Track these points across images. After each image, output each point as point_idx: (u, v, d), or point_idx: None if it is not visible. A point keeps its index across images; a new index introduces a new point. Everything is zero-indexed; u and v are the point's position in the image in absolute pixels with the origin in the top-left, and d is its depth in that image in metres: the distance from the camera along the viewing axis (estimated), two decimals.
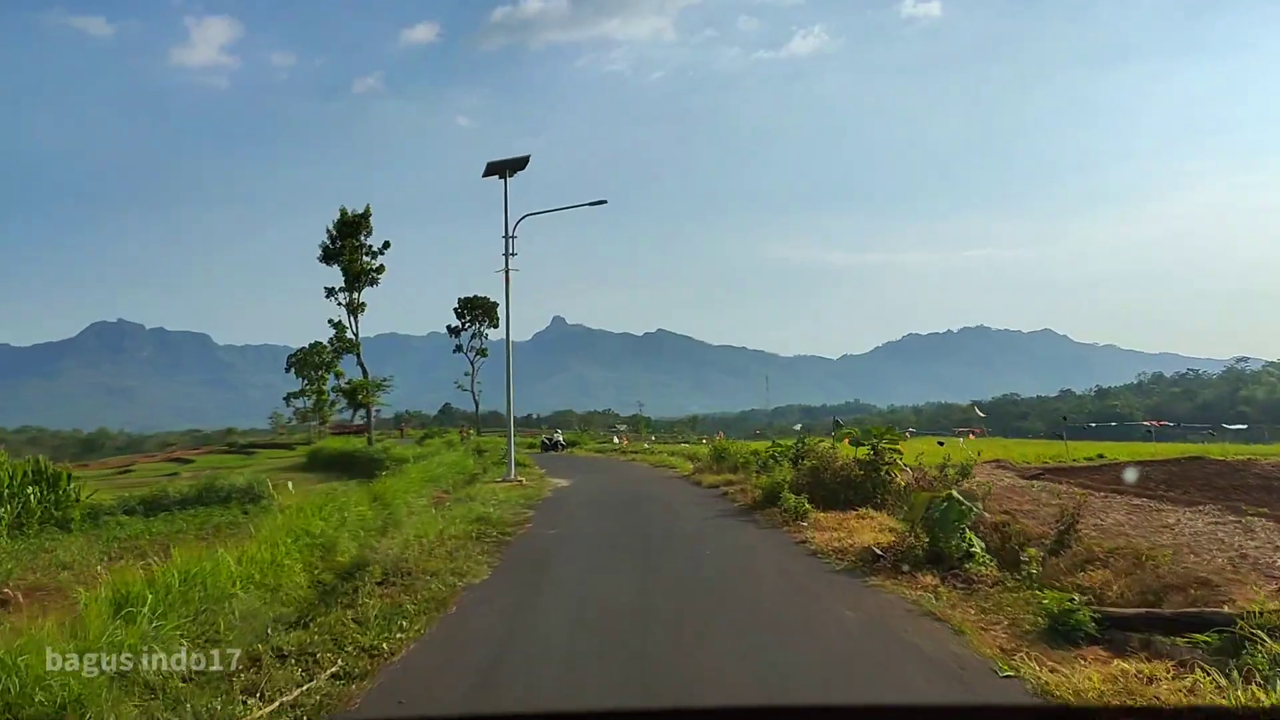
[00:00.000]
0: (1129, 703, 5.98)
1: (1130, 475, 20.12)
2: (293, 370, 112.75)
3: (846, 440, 20.20)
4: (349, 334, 52.77)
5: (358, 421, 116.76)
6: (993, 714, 3.89)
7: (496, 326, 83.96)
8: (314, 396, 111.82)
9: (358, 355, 53.23)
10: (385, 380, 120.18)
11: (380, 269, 52.51)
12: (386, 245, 52.99)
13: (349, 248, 50.83)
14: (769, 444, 27.64)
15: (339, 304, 52.01)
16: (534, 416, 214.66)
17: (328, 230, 51.36)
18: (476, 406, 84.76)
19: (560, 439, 48.29)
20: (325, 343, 56.38)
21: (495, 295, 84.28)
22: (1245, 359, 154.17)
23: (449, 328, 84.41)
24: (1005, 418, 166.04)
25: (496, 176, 28.82)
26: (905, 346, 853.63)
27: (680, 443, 57.31)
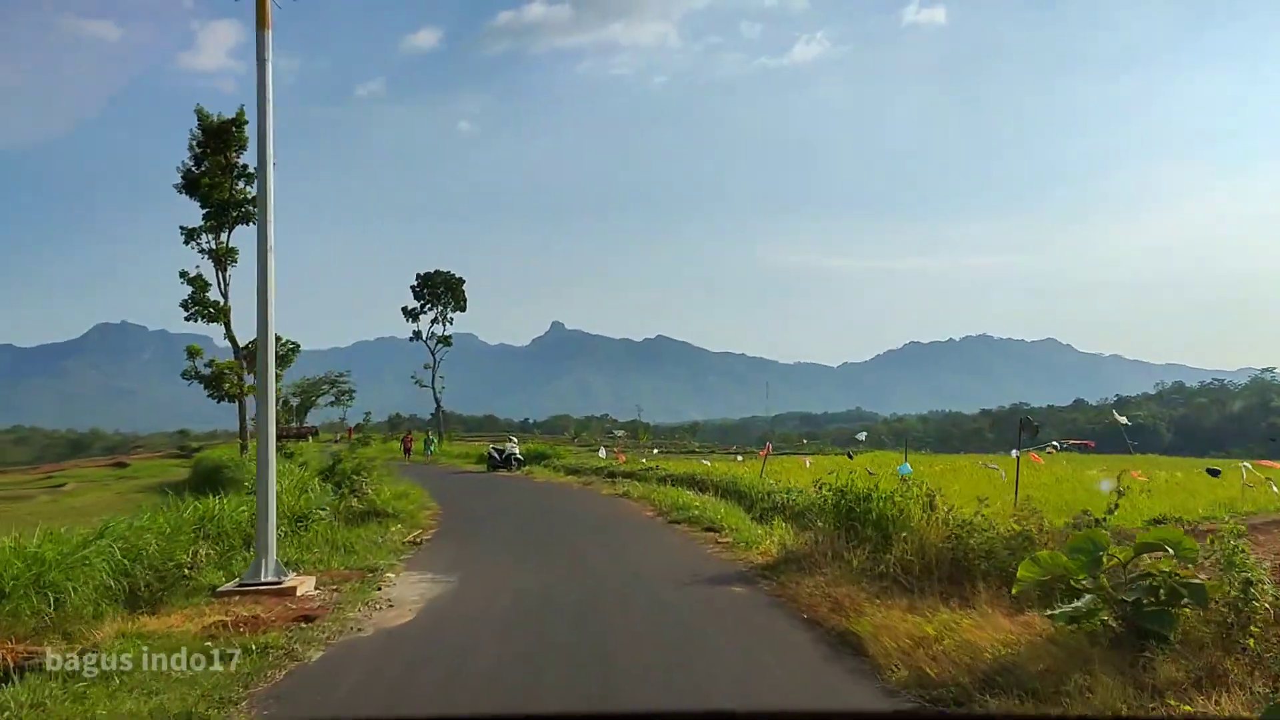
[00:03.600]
0: None
1: None
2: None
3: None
4: (215, 293, 38.54)
5: (341, 424, 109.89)
6: None
7: (463, 309, 75.47)
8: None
9: (227, 326, 39.65)
10: (341, 376, 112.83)
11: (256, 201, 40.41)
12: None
13: (214, 168, 38.08)
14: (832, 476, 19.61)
15: (200, 250, 38.71)
16: (530, 421, 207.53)
17: (190, 146, 38.28)
18: (438, 406, 76.30)
19: (516, 451, 36.35)
20: (186, 303, 38.94)
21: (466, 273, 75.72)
22: (1271, 369, 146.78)
23: (405, 310, 75.64)
24: (1017, 429, 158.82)
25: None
26: (906, 355, 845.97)
27: (688, 453, 47.73)
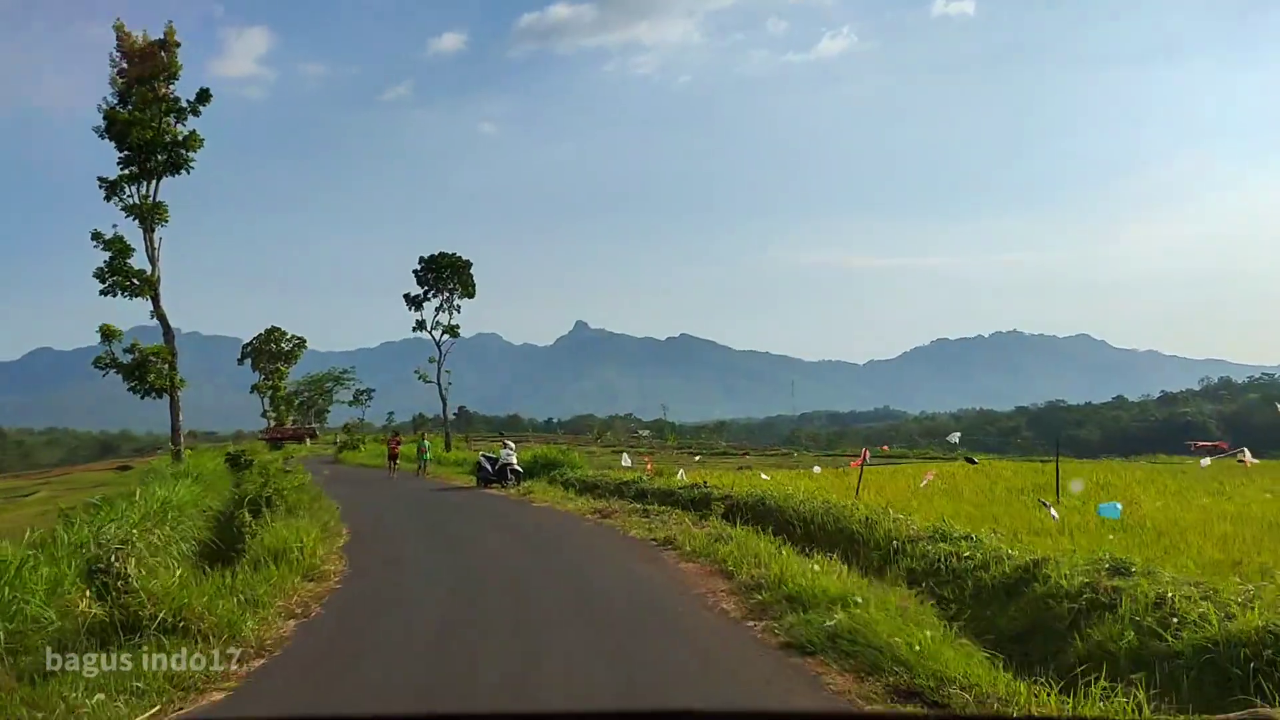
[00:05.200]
0: None
1: None
2: (249, 362, 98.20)
3: None
4: (140, 260, 30.71)
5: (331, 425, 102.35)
6: None
7: (472, 295, 67.65)
8: (269, 391, 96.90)
9: (154, 301, 31.47)
10: (345, 373, 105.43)
11: (193, 143, 30.89)
12: (204, 97, 31.06)
13: (139, 101, 30.31)
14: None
15: (121, 206, 30.98)
16: (554, 421, 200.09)
17: (111, 80, 30.76)
18: (444, 405, 68.56)
19: (513, 460, 27.76)
20: (99, 271, 30.74)
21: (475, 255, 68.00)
22: None
23: (407, 296, 68.08)
24: (1058, 426, 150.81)
25: None
26: (934, 352, 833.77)
27: (717, 454, 39.27)
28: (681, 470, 29.18)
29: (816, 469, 26.22)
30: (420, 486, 28.52)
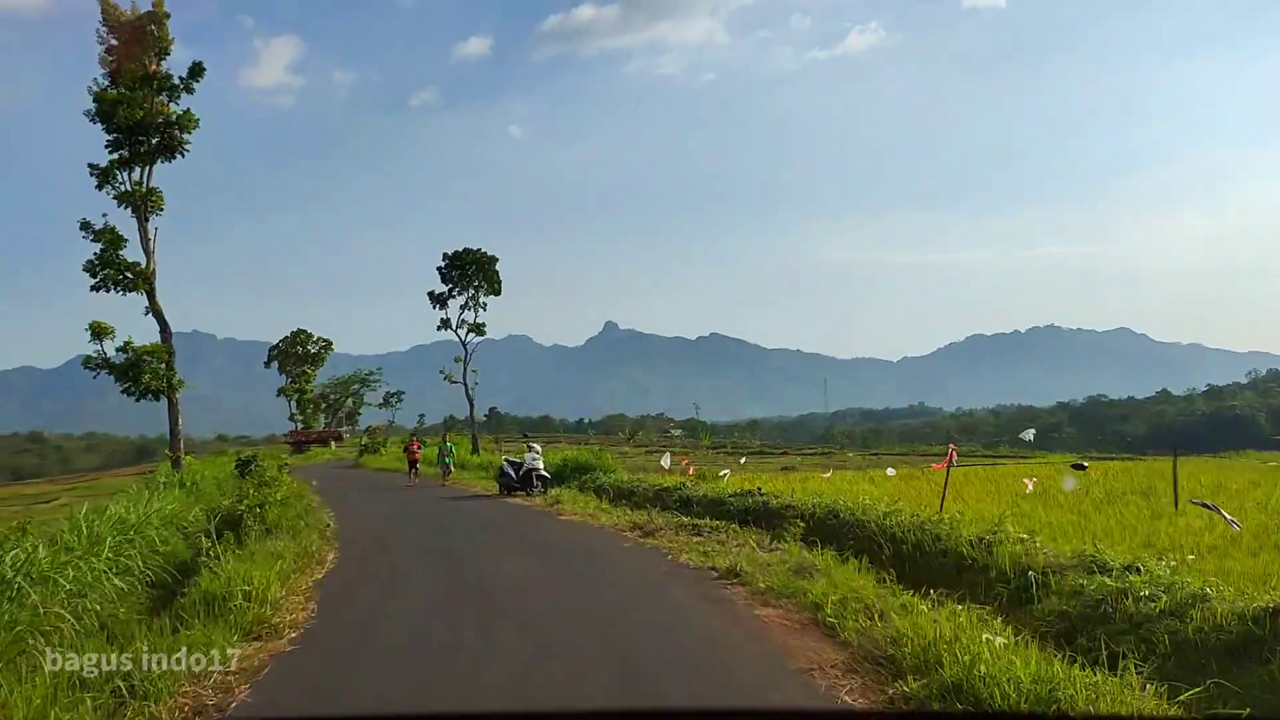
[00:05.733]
0: None
1: None
2: (275, 365, 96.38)
3: None
4: (134, 251, 28.18)
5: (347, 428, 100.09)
6: None
7: (498, 292, 64.98)
8: (295, 395, 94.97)
9: (150, 297, 28.95)
10: (371, 374, 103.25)
11: (187, 123, 28.48)
12: (197, 72, 28.47)
13: (126, 78, 27.60)
14: None
15: (112, 193, 28.45)
16: (585, 421, 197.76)
17: (100, 57, 27.97)
18: (471, 406, 65.78)
19: (539, 465, 24.32)
20: (90, 265, 28.10)
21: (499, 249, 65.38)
22: None
23: (431, 294, 65.50)
24: (1100, 421, 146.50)
25: None
26: (969, 348, 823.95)
27: (754, 454, 35.54)
28: (726, 472, 26.17)
29: (891, 470, 22.92)
30: (436, 495, 25.62)
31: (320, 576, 11.52)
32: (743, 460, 35.74)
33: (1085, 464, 16.46)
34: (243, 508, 13.36)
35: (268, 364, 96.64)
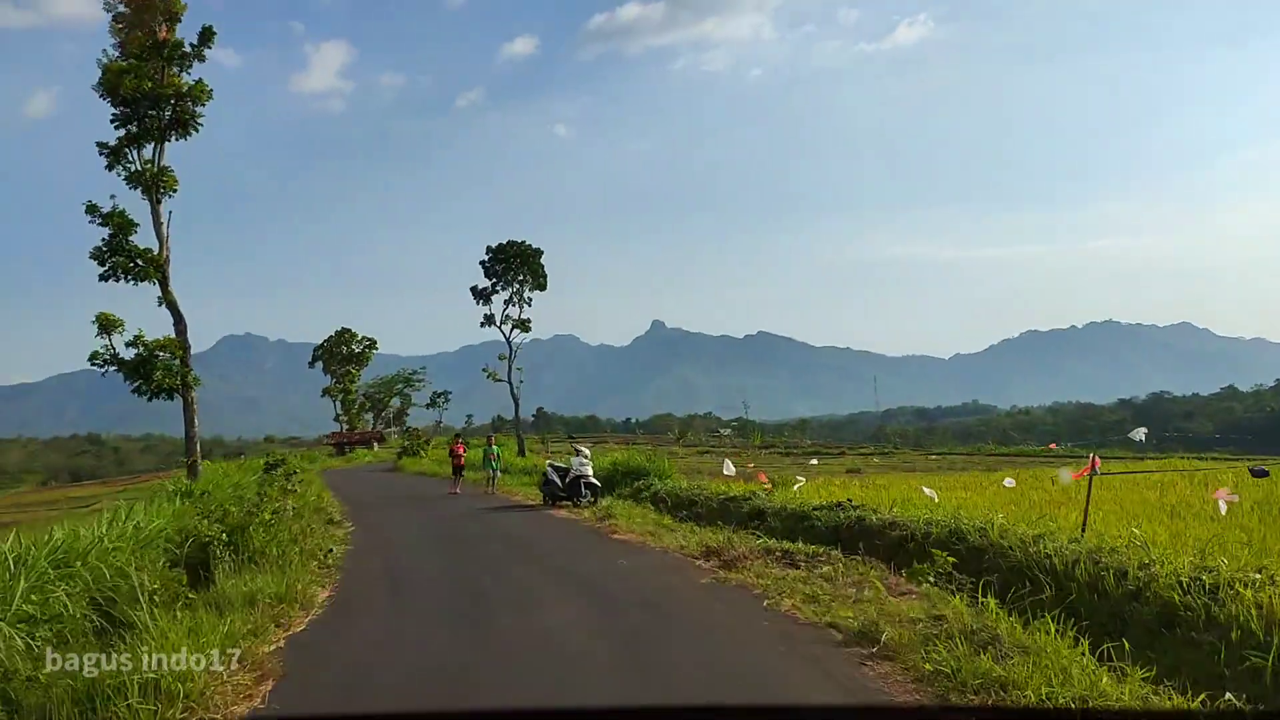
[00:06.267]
0: None
1: None
2: (320, 365, 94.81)
3: None
4: (146, 237, 25.73)
5: (388, 428, 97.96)
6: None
7: (543, 287, 62.29)
8: (339, 395, 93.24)
9: (163, 285, 26.14)
10: (415, 374, 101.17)
11: (199, 94, 25.77)
12: (207, 36, 25.68)
13: (133, 46, 25.04)
14: None
15: (122, 172, 25.72)
16: (633, 421, 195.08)
17: (110, 26, 25.67)
18: (516, 405, 63.14)
19: (587, 470, 21.11)
20: (98, 251, 25.57)
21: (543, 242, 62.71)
22: None
23: (474, 289, 63.05)
24: (1165, 419, 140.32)
25: None
26: (1024, 344, 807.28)
27: (807, 455, 31.90)
28: (802, 479, 22.90)
29: (1009, 481, 19.42)
30: (474, 506, 22.64)
31: (297, 631, 8.55)
32: (813, 462, 32.34)
33: (1267, 470, 12.91)
34: (210, 534, 10.46)
35: (312, 364, 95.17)
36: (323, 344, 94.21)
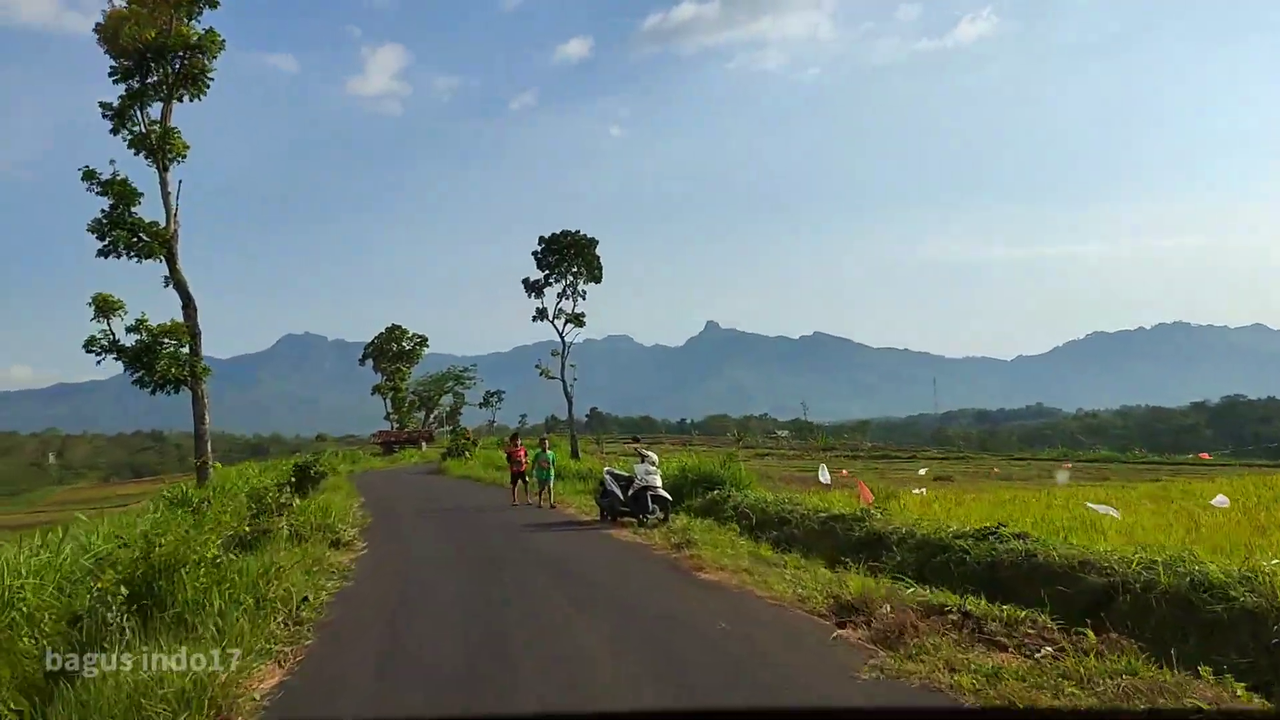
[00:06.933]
0: None
1: None
2: (370, 363, 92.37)
3: None
4: (152, 208, 22.83)
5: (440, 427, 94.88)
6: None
7: (598, 280, 58.80)
8: (389, 393, 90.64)
9: (170, 263, 22.72)
10: (465, 371, 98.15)
11: (210, 44, 22.56)
12: None
13: None
14: None
15: (126, 137, 22.51)
16: (687, 422, 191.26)
17: None
18: (570, 404, 59.55)
19: (657, 479, 17.21)
20: (96, 224, 21.78)
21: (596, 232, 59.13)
22: None
23: (526, 282, 59.75)
24: (1240, 423, 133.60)
25: None
26: (1090, 345, 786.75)
27: (878, 458, 27.70)
28: (920, 491, 18.93)
29: (1220, 500, 15.07)
30: (518, 522, 18.78)
31: None
32: (921, 472, 28.13)
33: None
34: (105, 588, 6.87)
35: (362, 361, 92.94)
36: (373, 341, 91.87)
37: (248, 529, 11.31)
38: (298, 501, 14.36)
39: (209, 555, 8.04)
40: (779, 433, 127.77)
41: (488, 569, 12.24)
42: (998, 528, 12.90)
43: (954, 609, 8.25)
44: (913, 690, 6.19)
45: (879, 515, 14.78)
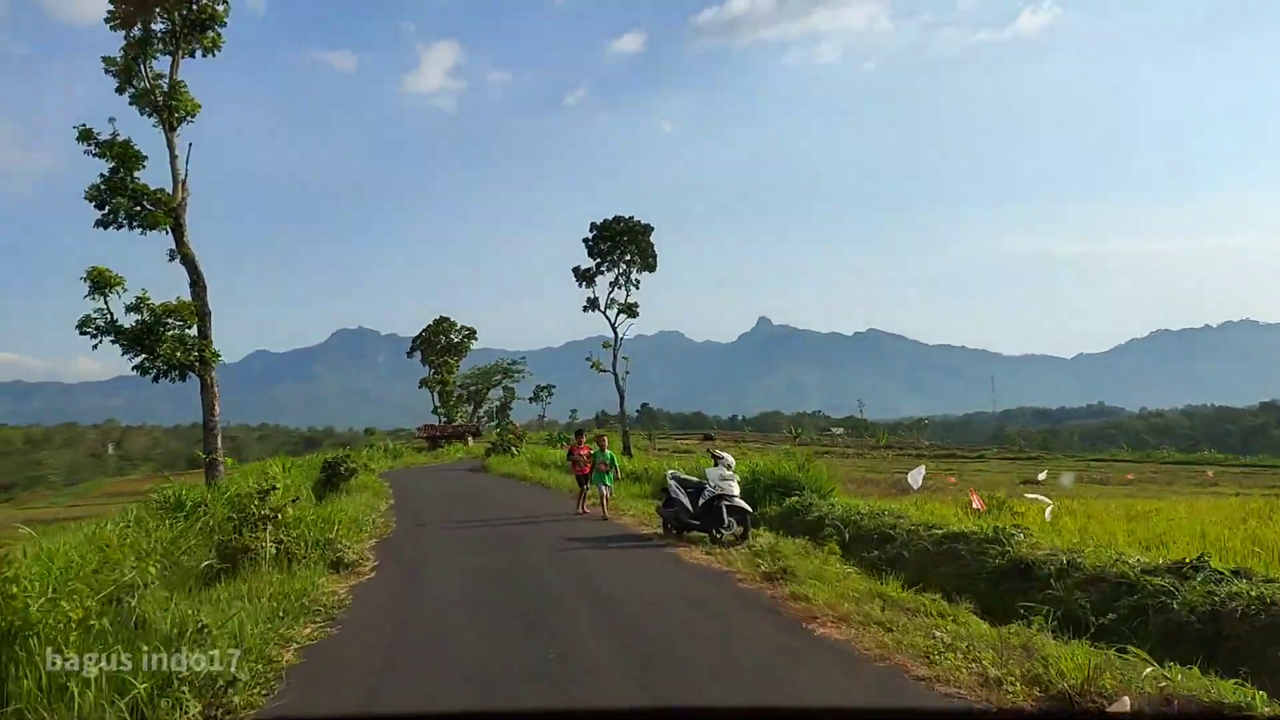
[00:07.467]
0: None
1: None
2: (418, 355, 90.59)
3: None
4: (158, 174, 20.90)
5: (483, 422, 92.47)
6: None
7: (652, 268, 56.09)
8: (436, 387, 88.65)
9: (177, 235, 20.50)
10: (514, 364, 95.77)
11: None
12: None
13: None
14: None
15: (130, 97, 20.22)
16: (740, 419, 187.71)
17: None
18: (622, 398, 56.77)
19: (734, 486, 13.98)
20: (94, 191, 19.12)
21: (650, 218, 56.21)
22: None
23: (576, 270, 57.29)
24: None
25: None
26: (1153, 343, 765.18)
27: (966, 456, 24.23)
28: (1050, 506, 15.68)
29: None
30: (566, 535, 15.78)
31: None
32: (1041, 476, 24.65)
33: None
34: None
35: (410, 354, 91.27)
36: (421, 334, 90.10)
37: (213, 556, 8.51)
38: (290, 510, 11.55)
39: (76, 615, 5.17)
40: (834, 430, 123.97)
41: (523, 616, 9.11)
42: (1200, 559, 9.70)
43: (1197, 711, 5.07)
44: None
45: (1021, 538, 11.56)
